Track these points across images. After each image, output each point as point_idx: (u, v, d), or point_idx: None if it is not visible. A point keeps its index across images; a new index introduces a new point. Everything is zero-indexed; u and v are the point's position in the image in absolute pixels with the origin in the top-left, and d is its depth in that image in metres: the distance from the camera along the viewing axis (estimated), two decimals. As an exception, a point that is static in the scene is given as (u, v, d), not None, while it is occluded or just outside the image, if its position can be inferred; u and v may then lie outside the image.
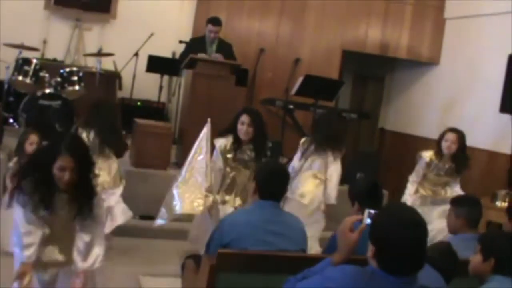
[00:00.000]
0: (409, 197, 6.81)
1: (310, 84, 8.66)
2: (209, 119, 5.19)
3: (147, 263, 6.37)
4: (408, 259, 2.68)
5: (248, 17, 10.60)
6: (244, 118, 5.58)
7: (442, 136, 6.69)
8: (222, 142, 5.67)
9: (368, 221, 2.94)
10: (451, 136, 6.61)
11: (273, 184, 4.09)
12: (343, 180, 6.81)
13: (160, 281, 5.99)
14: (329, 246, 4.29)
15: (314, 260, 3.42)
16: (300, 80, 8.74)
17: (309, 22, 10.56)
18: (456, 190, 6.78)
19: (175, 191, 5.06)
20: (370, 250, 2.75)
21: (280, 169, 4.30)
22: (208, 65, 7.92)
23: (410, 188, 6.87)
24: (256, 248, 3.82)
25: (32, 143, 5.66)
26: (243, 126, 5.56)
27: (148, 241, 7.00)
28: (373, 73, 12.20)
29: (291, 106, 9.08)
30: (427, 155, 6.77)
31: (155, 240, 7.05)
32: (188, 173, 5.17)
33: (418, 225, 2.70)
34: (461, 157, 6.68)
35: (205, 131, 5.17)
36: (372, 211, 2.95)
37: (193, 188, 5.06)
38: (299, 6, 10.54)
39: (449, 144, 6.58)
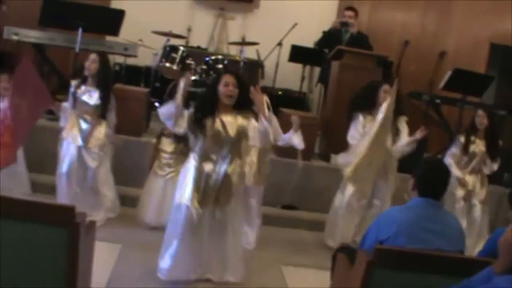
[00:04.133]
0: None
1: (459, 78, 8.35)
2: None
3: (290, 253, 6.36)
4: None
5: (393, 8, 10.41)
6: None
7: None
8: None
9: None
10: None
11: (433, 181, 3.95)
12: (489, 180, 6.71)
13: (302, 271, 5.95)
14: (486, 249, 4.12)
15: (471, 262, 3.30)
16: (448, 73, 8.47)
17: (456, 13, 10.20)
18: None
19: None
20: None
21: (441, 166, 4.14)
22: (355, 57, 7.82)
23: None
24: (413, 246, 3.71)
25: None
26: None
27: (291, 231, 7.01)
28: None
29: (438, 101, 8.82)
30: None
31: (298, 230, 7.06)
32: None
33: None
34: None
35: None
36: None
37: None
38: (446, -3, 10.24)
39: None
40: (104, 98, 6.15)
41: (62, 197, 6.17)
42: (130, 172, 7.02)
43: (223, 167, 4.96)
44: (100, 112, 6.20)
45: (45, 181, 6.79)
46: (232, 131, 4.92)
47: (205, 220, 4.98)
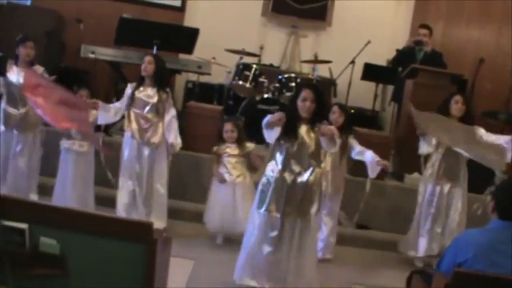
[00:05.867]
0: None
1: (537, 97, 8.18)
2: None
3: (361, 273, 6.32)
4: None
5: (467, 25, 10.28)
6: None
7: None
8: None
9: None
10: None
11: (514, 204, 3.87)
12: None
13: (374, 292, 5.91)
14: None
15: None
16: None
17: (533, 30, 10.02)
18: None
19: None
20: None
21: (522, 189, 4.05)
22: (429, 75, 7.73)
23: None
24: (492, 270, 3.64)
25: (226, 131, 6.54)
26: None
27: (363, 251, 6.95)
28: None
29: (516, 120, 8.65)
30: None
31: (370, 250, 7.00)
32: None
33: None
34: None
35: None
36: None
37: None
38: (522, 14, 10.05)
39: None
40: (161, 94, 6.36)
41: (123, 196, 6.42)
42: (201, 188, 7.08)
43: (304, 177, 5.03)
44: (159, 110, 6.40)
45: (108, 194, 6.93)
46: (311, 142, 5.02)
47: (286, 230, 5.04)
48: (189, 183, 7.22)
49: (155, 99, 6.32)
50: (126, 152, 6.42)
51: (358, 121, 8.66)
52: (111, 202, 6.62)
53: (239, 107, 8.72)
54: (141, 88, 6.37)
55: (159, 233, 3.57)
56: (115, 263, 3.51)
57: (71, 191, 6.34)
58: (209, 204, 6.57)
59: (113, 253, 3.50)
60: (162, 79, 6.43)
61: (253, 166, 6.57)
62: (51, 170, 6.60)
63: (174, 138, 6.42)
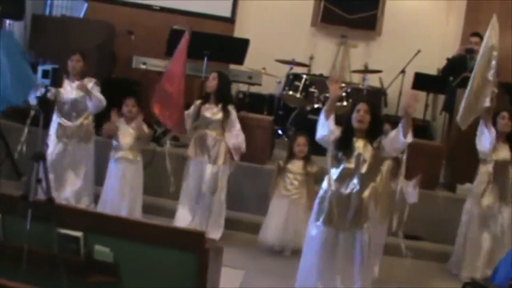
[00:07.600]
0: None
1: None
2: None
3: (411, 284, 6.22)
4: None
5: (519, 33, 10.10)
6: None
7: None
8: None
9: None
10: None
11: None
12: None
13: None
14: None
15: None
16: None
17: None
18: None
19: None
20: None
21: None
22: (481, 84, 7.62)
23: None
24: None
25: (299, 144, 6.56)
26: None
27: (414, 262, 6.84)
28: None
29: None
30: None
31: (421, 262, 6.90)
32: None
33: None
34: None
35: None
36: None
37: None
38: None
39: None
40: (225, 112, 6.43)
41: (184, 214, 6.48)
42: (251, 199, 7.12)
43: (359, 192, 4.95)
44: (223, 128, 6.48)
45: (163, 204, 7.08)
46: (368, 156, 4.95)
47: (340, 243, 5.01)
48: (237, 192, 7.23)
49: (219, 116, 6.41)
50: (191, 178, 6.49)
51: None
52: (158, 210, 6.77)
53: (289, 117, 8.74)
54: (207, 105, 6.47)
55: (211, 243, 3.61)
56: (168, 272, 3.57)
57: (120, 199, 6.38)
58: (268, 216, 6.56)
59: (165, 262, 3.56)
60: (225, 96, 6.52)
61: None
62: (102, 180, 6.69)
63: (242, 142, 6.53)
